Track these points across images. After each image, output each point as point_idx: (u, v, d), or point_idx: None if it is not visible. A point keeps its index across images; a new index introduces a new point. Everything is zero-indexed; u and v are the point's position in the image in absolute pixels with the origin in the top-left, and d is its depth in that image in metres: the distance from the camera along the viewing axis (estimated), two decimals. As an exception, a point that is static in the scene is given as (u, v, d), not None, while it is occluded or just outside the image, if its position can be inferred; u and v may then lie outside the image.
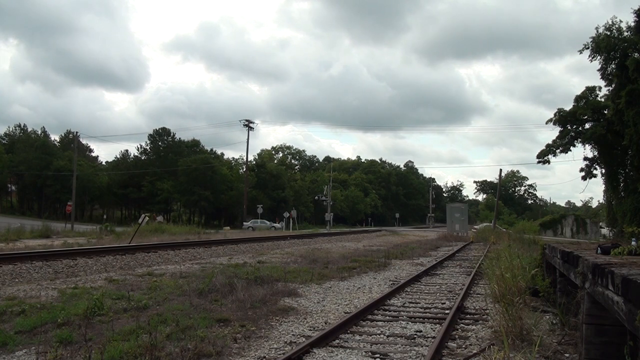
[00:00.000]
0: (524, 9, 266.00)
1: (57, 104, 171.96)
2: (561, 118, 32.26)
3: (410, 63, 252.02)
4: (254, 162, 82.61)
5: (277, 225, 59.17)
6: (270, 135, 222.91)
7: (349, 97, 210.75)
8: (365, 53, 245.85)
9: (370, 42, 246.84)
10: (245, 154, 65.50)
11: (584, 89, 32.77)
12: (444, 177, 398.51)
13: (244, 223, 59.03)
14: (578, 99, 32.50)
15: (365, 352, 6.17)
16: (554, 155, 34.54)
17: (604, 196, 34.47)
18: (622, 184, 28.20)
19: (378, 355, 6.03)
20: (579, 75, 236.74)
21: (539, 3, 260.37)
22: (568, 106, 33.16)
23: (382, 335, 7.09)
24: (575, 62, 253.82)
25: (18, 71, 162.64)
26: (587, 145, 31.79)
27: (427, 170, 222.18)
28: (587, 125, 31.81)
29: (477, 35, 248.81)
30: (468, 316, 8.66)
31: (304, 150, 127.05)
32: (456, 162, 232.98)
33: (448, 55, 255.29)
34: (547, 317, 8.34)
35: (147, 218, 27.47)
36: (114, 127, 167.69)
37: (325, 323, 7.80)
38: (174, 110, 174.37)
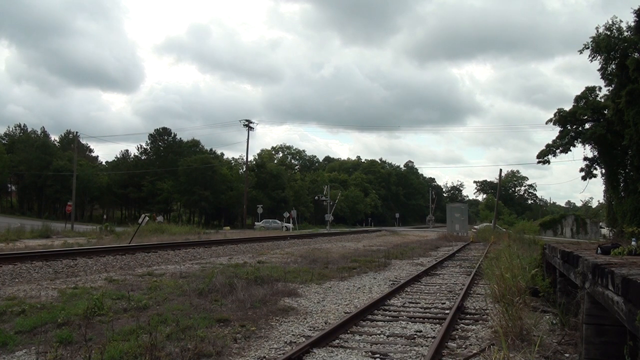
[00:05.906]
0: (512, 10, 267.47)
1: (53, 104, 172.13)
2: (561, 118, 32.25)
3: (400, 64, 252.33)
4: (254, 162, 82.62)
5: (288, 225, 59.79)
6: (267, 136, 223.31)
7: (343, 97, 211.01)
8: (356, 54, 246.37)
9: (360, 43, 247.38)
10: (244, 153, 65.83)
11: (582, 89, 32.93)
12: (442, 177, 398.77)
13: (256, 223, 60.40)
14: (578, 99, 32.49)
15: (365, 352, 6.17)
16: (554, 155, 34.51)
17: (604, 196, 34.46)
18: (622, 184, 28.19)
19: (378, 355, 6.03)
20: (569, 75, 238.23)
21: (527, 5, 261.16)
22: (560, 106, 33.32)
23: (382, 335, 7.09)
24: (565, 62, 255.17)
25: (13, 72, 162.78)
26: (587, 145, 31.80)
27: (424, 170, 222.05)
28: (587, 125, 31.78)
29: (467, 36, 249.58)
30: (468, 316, 8.66)
31: (303, 150, 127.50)
32: (452, 162, 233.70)
33: (439, 56, 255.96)
34: (547, 317, 8.34)
35: (147, 218, 27.42)
36: (109, 127, 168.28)
37: (325, 323, 7.80)
38: (168, 110, 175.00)
